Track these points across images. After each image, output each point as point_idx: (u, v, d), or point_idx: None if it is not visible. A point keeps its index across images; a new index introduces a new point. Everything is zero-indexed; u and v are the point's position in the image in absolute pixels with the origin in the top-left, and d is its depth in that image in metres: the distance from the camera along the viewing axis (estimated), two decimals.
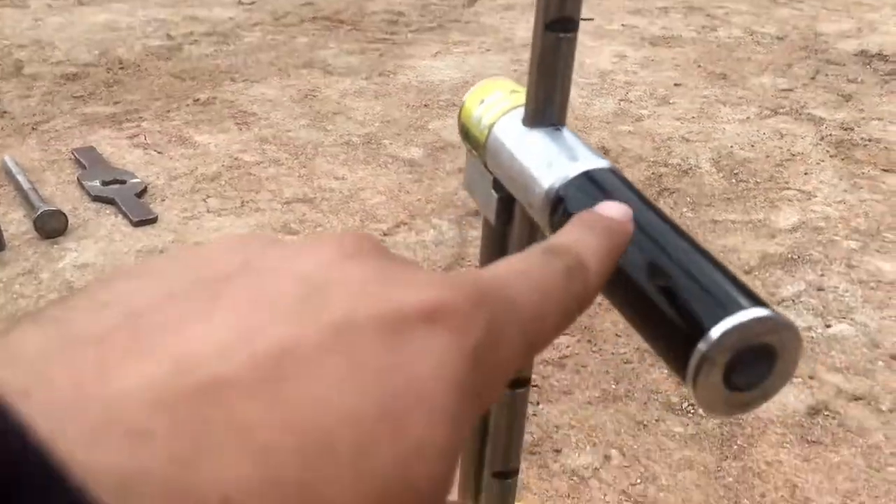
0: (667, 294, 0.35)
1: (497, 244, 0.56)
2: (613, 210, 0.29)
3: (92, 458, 0.12)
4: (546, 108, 0.48)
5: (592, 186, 0.44)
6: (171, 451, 0.12)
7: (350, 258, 0.17)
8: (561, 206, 0.45)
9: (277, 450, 0.13)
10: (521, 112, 0.50)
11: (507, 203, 0.54)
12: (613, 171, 0.44)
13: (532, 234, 0.53)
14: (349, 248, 0.17)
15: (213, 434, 0.13)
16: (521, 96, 0.51)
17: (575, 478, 1.25)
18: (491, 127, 0.52)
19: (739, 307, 0.33)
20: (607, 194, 0.42)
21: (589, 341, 1.53)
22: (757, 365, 0.34)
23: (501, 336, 0.17)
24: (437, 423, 0.15)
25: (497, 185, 0.53)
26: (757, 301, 0.34)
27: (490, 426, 0.57)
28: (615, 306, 0.39)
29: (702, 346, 0.32)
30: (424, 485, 0.14)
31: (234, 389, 0.13)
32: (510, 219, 0.54)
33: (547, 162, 0.47)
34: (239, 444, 0.13)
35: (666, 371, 1.44)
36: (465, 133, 0.55)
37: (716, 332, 0.33)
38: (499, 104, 0.53)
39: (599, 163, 0.44)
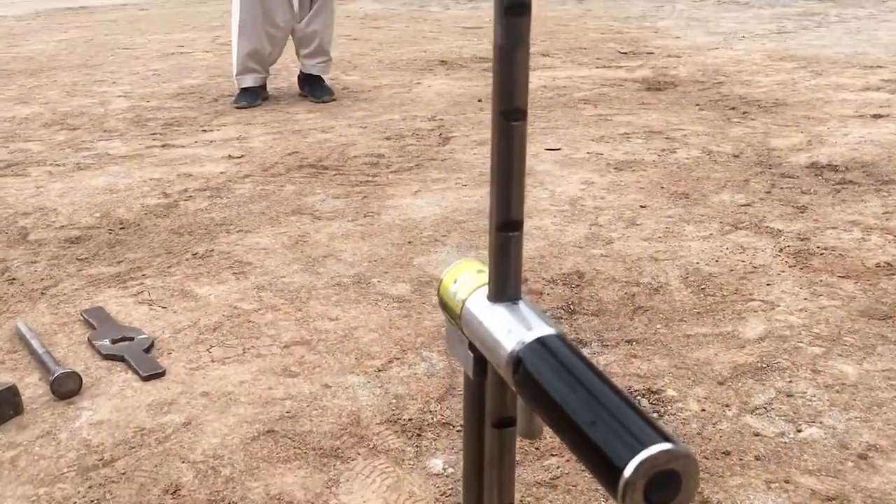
0: (598, 433, 0.48)
1: (476, 395, 0.69)
2: None
3: None
4: (504, 289, 0.62)
5: (543, 349, 0.57)
6: None
7: None
8: (521, 365, 0.58)
9: None
10: (486, 289, 0.64)
11: (480, 361, 0.67)
12: (560, 336, 0.58)
13: (503, 387, 0.65)
14: None
15: None
16: (485, 275, 0.65)
17: None
18: (464, 302, 0.66)
19: (651, 442, 0.46)
20: (554, 355, 0.56)
21: (577, 461, 1.63)
22: (668, 484, 0.47)
23: None
24: None
25: (472, 346, 0.66)
26: (664, 436, 0.47)
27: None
28: (562, 441, 0.51)
29: (626, 472, 0.45)
30: None
31: None
32: (484, 373, 0.67)
33: (507, 330, 0.60)
34: None
35: None
36: (444, 306, 0.69)
37: (634, 462, 0.45)
38: (468, 282, 0.67)
39: (549, 330, 0.58)
